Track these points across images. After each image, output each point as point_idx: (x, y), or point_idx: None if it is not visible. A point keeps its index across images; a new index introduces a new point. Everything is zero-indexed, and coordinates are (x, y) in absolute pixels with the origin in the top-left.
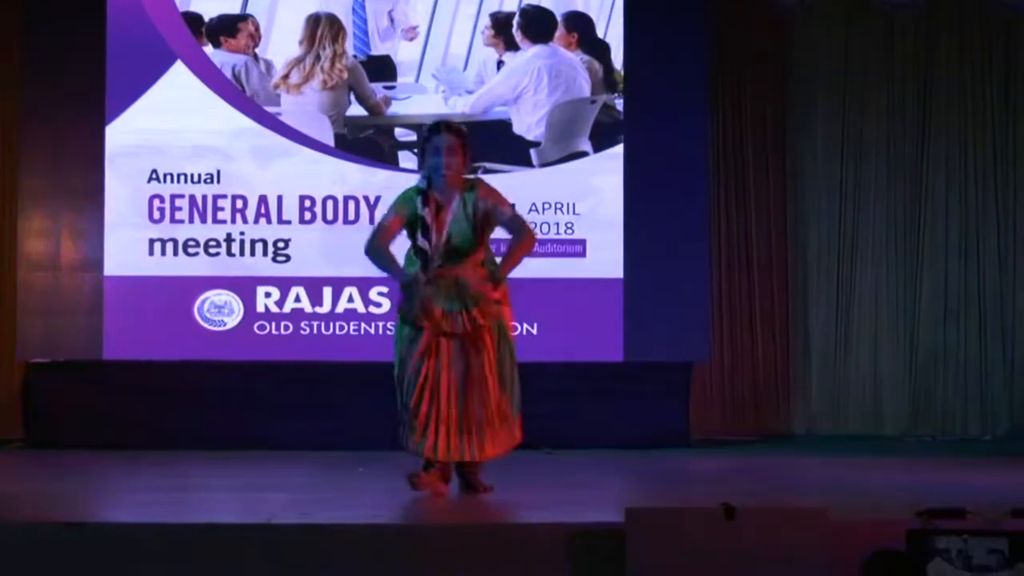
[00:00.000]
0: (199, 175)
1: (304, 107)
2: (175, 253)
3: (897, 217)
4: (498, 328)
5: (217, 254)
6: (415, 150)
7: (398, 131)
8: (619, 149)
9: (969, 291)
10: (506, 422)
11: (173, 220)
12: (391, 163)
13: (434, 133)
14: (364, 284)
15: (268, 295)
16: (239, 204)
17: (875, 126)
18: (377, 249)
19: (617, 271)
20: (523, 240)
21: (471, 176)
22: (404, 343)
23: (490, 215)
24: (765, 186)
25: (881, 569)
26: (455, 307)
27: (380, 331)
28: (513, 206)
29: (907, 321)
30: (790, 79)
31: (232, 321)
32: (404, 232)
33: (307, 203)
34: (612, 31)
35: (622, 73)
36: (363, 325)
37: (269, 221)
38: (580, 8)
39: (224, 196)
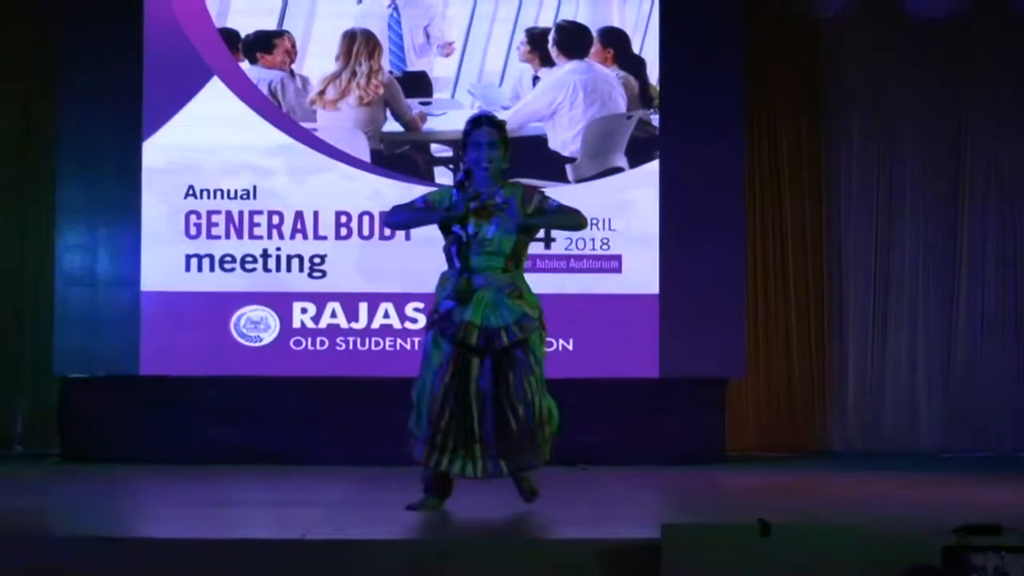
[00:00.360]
0: (235, 191)
1: (340, 123)
2: (211, 269)
3: (933, 231)
4: (532, 346)
5: (253, 270)
6: (451, 166)
7: (434, 147)
8: (655, 165)
9: (1006, 305)
10: (534, 441)
11: (209, 236)
12: (427, 179)
13: (475, 127)
14: (400, 300)
15: (304, 311)
16: (275, 220)
17: (911, 139)
18: (402, 209)
19: (653, 287)
20: (574, 215)
21: (513, 180)
22: (436, 361)
23: (539, 210)
24: (801, 201)
25: None
26: (493, 323)
27: (415, 347)
28: None
29: (943, 336)
30: (825, 93)
31: (268, 337)
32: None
33: (343, 219)
34: (648, 47)
35: (658, 89)
36: (399, 341)
37: (305, 237)
38: (616, 24)
39: (260, 212)
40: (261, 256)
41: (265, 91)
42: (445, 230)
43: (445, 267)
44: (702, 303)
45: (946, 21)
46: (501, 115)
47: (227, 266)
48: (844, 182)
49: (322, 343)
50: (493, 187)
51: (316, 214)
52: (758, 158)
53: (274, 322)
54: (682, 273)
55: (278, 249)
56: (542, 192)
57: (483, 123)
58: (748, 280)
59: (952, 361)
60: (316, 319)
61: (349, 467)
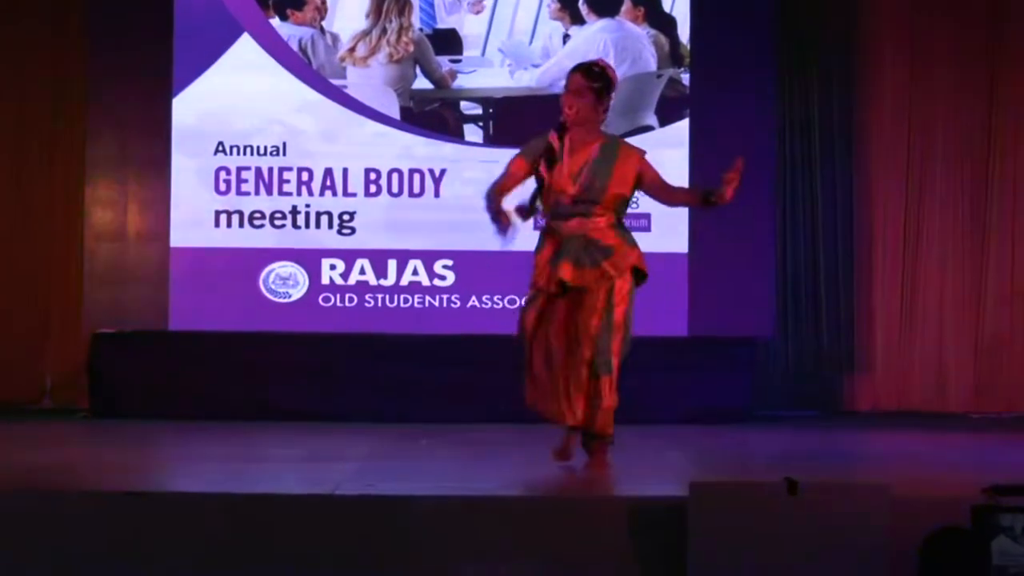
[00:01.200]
0: (265, 147)
1: (370, 80)
2: (241, 225)
3: (964, 193)
4: (612, 288)
5: (283, 226)
6: (480, 123)
7: (464, 104)
8: (685, 123)
9: None
10: (577, 391)
11: (239, 192)
12: (456, 136)
13: (570, 73)
14: (429, 257)
15: (333, 267)
16: (304, 176)
17: (943, 102)
18: (491, 194)
19: (682, 246)
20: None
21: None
22: (526, 305)
23: (640, 177)
24: (831, 162)
25: (945, 546)
26: (584, 263)
27: (444, 304)
28: None
29: (973, 298)
30: (857, 54)
31: (297, 293)
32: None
33: (372, 176)
34: (679, 5)
35: (688, 47)
36: (427, 298)
37: (335, 193)
38: None
39: (290, 168)
40: (290, 212)
41: (295, 48)
42: (537, 176)
43: (465, 225)
44: (731, 263)
45: None
46: (531, 73)
47: (256, 222)
48: (875, 143)
49: (351, 300)
50: (592, 137)
51: (345, 171)
52: (789, 117)
53: (303, 278)
54: (711, 232)
55: (307, 206)
56: (644, 164)
57: (573, 71)
58: (777, 240)
59: (981, 323)
60: (345, 276)
61: (377, 424)
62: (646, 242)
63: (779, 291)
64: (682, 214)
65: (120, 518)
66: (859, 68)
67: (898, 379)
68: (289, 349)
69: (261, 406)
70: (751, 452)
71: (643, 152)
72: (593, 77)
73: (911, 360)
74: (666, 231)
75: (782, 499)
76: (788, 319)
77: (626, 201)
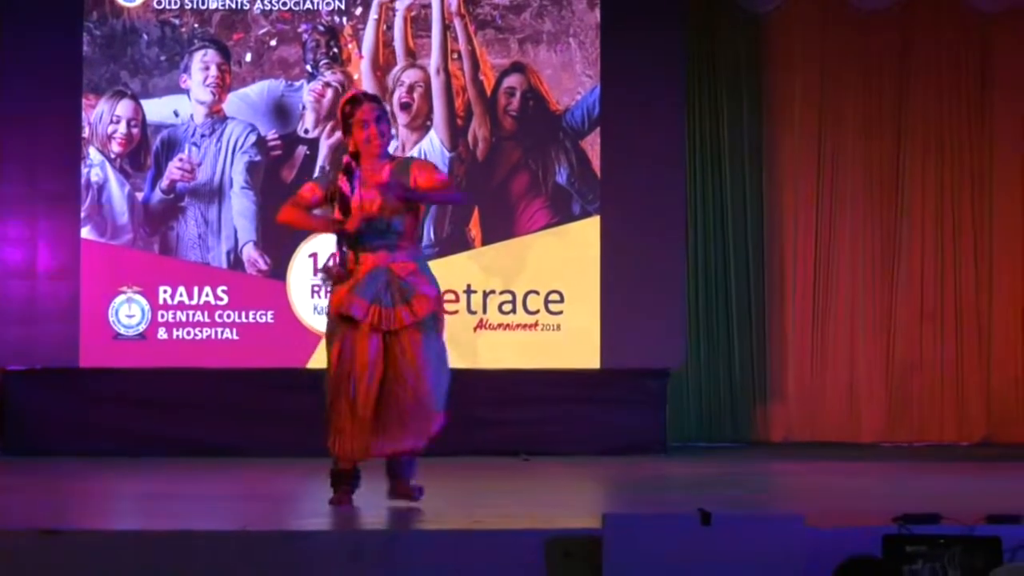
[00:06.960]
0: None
1: None
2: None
3: (873, 223)
4: (431, 322)
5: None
6: None
7: None
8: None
9: (945, 297)
10: (421, 418)
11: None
12: None
13: (355, 106)
14: None
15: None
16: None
17: (851, 132)
18: (290, 210)
19: (593, 277)
20: (452, 192)
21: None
22: (331, 345)
23: (421, 183)
24: (742, 194)
25: (856, 575)
26: (387, 303)
27: None
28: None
29: (883, 327)
30: (766, 83)
31: (206, 331)
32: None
33: None
34: (587, 21)
35: (599, 70)
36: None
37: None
38: None
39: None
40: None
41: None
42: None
43: None
44: (642, 294)
45: (887, 9)
46: None
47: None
48: (786, 174)
49: (269, 336)
50: (380, 165)
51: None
52: (699, 151)
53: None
54: (622, 264)
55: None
56: (429, 170)
57: (363, 100)
58: (689, 270)
59: (892, 351)
60: (265, 313)
61: (289, 459)
62: (557, 277)
63: (691, 321)
64: (594, 245)
65: (33, 557)
66: (768, 101)
67: (811, 409)
68: (200, 385)
69: (173, 442)
70: (665, 483)
71: (430, 165)
72: (380, 102)
73: (823, 390)
74: (576, 263)
75: (696, 530)
76: (700, 350)
77: (416, 219)
